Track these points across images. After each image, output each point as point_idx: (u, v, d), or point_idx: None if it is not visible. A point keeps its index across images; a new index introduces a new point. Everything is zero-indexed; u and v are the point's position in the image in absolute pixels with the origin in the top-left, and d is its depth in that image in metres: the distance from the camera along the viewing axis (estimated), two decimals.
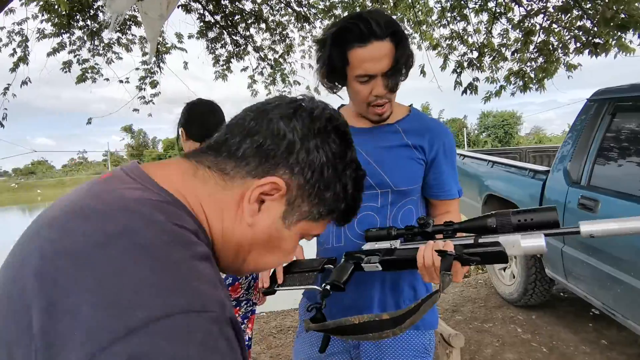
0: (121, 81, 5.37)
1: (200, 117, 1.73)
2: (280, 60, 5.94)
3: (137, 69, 5.57)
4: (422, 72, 4.31)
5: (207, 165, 0.50)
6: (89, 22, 5.31)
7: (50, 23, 5.12)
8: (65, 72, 5.36)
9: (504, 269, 3.49)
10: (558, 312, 3.17)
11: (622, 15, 2.51)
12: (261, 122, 0.51)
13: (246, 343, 1.84)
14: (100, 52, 5.66)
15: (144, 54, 5.71)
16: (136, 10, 5.04)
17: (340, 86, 1.03)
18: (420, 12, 4.42)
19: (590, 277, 2.37)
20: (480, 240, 0.82)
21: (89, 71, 5.56)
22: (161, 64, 5.93)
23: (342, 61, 0.94)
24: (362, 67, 0.91)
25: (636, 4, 2.37)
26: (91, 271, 0.37)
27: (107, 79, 5.43)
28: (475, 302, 3.50)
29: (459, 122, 61.94)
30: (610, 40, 2.86)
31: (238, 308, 1.81)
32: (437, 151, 1.05)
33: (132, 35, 5.80)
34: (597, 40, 2.95)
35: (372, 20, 0.90)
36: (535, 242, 0.78)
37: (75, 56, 5.43)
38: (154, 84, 5.77)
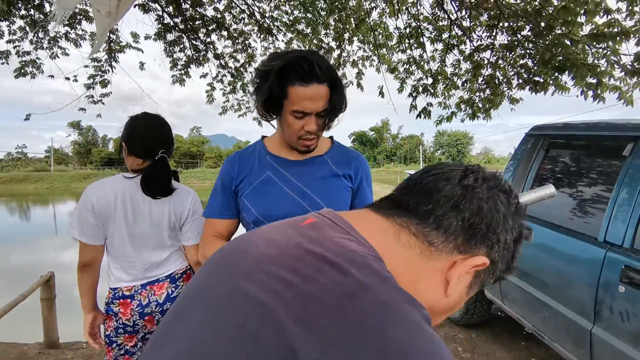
0: (67, 78, 5.04)
1: (143, 132, 1.66)
2: (241, 69, 5.87)
3: (86, 66, 5.26)
4: (381, 93, 4.45)
5: (412, 232, 0.51)
6: (32, 12, 4.96)
7: None
8: (2, 63, 4.96)
9: None
10: (495, 331, 3.34)
11: (560, 58, 2.74)
12: (469, 198, 0.52)
13: None
14: (45, 45, 5.31)
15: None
16: (88, 4, 4.79)
17: (273, 116, 1.08)
18: (380, 36, 4.57)
19: (523, 301, 2.52)
20: None
21: (29, 65, 5.18)
22: (113, 63, 5.66)
23: (281, 94, 0.99)
24: (300, 104, 0.98)
25: (573, 49, 2.60)
26: (345, 321, 0.37)
27: (52, 76, 5.09)
28: None
29: (416, 138, 64.45)
30: (549, 79, 3.11)
31: None
32: (361, 178, 1.16)
33: (83, 30, 5.49)
34: (537, 79, 3.19)
35: (315, 63, 0.96)
36: None
37: (14, 47, 5.05)
38: (104, 83, 5.48)
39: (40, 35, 5.25)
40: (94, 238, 1.56)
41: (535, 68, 3.14)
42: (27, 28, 5.05)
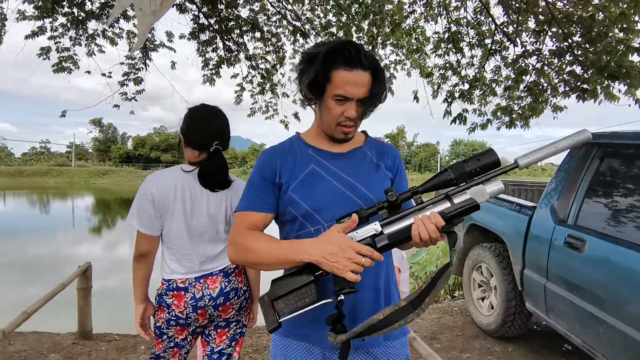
0: (104, 75, 5.13)
1: (199, 124, 1.64)
2: (272, 70, 5.89)
3: (121, 63, 5.35)
4: (415, 98, 4.40)
5: None
6: (75, 10, 5.08)
7: (32, 5, 4.86)
8: (44, 59, 5.08)
9: (482, 299, 3.52)
10: (533, 346, 3.22)
11: (613, 65, 2.65)
12: None
13: None
14: (83, 42, 5.42)
15: (131, 49, 5.51)
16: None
17: (314, 101, 1.09)
18: (416, 40, 4.52)
19: (572, 315, 2.42)
20: (456, 201, 0.92)
21: (67, 60, 5.30)
22: (147, 61, 5.75)
23: (325, 78, 1.00)
24: (343, 89, 0.99)
25: (628, 57, 2.51)
26: None
27: (89, 72, 5.18)
28: (453, 331, 3.50)
29: (432, 147, 63.88)
30: (598, 87, 3.01)
31: (227, 329, 1.70)
32: (398, 167, 1.20)
33: (120, 28, 5.60)
34: (585, 86, 3.09)
35: (361, 50, 1.00)
36: (496, 186, 0.92)
37: (55, 43, 5.17)
38: (137, 81, 5.57)
39: (80, 32, 5.37)
40: (151, 229, 1.56)
41: (585, 75, 3.04)
42: (69, 25, 5.16)
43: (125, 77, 5.41)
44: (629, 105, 2.89)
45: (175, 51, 5.90)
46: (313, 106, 1.13)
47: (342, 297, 0.90)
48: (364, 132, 1.25)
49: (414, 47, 4.61)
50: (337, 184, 1.07)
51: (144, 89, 5.72)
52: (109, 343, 2.94)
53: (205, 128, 1.64)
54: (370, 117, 1.11)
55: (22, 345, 2.93)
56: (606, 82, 2.90)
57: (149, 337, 1.67)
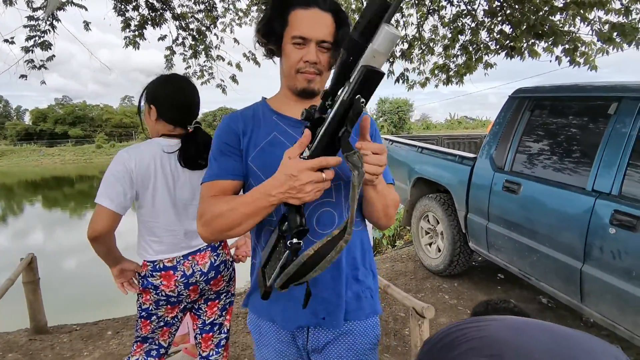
0: (6, 40, 4.38)
1: (177, 97, 1.55)
2: (206, 31, 5.50)
3: (25, 26, 4.60)
4: None
5: None
6: None
7: None
8: None
9: (430, 244, 3.90)
10: (474, 279, 3.69)
11: (540, 24, 2.93)
12: None
13: (224, 335, 1.77)
14: None
15: (34, 9, 4.73)
16: None
17: (275, 52, 1.01)
18: (355, 0, 4.51)
19: (510, 249, 2.80)
20: (352, 80, 0.74)
21: None
22: (54, 23, 5.00)
23: (281, 22, 0.94)
24: (299, 29, 0.92)
25: (555, 16, 2.79)
26: None
27: None
28: (407, 275, 3.85)
29: None
30: (523, 45, 3.32)
31: (217, 301, 1.72)
32: (372, 133, 1.05)
33: None
34: (512, 44, 3.39)
35: None
36: (382, 36, 0.70)
37: None
38: (45, 46, 4.85)
39: None
40: (122, 207, 1.45)
41: (514, 34, 3.32)
42: None
43: (32, 42, 4.68)
44: (550, 62, 3.24)
45: (87, 9, 5.20)
46: (275, 59, 1.05)
47: (295, 240, 0.83)
48: None
49: (352, 8, 4.60)
50: None
51: (54, 55, 5.02)
52: (69, 334, 2.76)
53: (184, 101, 1.56)
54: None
55: None
56: (532, 40, 3.20)
57: (135, 289, 1.60)
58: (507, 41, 3.38)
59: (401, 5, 4.23)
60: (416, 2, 3.85)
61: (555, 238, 2.40)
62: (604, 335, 2.55)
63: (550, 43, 3.01)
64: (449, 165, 3.52)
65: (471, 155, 3.34)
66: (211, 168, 1.00)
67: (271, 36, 0.97)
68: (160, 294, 1.55)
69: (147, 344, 1.63)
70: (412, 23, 4.19)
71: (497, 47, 3.52)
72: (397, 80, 4.18)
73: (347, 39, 0.76)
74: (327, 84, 0.82)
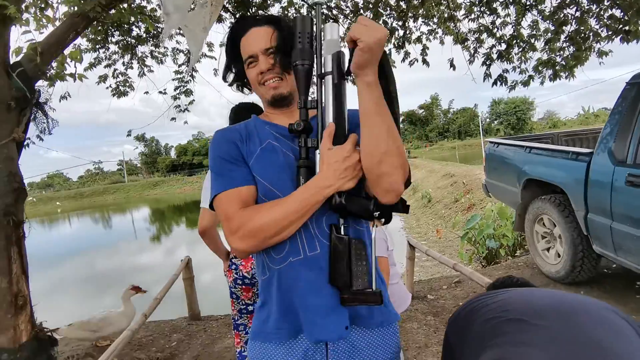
0: (161, 92, 5.64)
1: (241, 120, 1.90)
2: None
3: (173, 79, 5.83)
4: (452, 66, 4.49)
5: None
6: (125, 37, 5.59)
7: (85, 38, 5.40)
8: (108, 88, 5.68)
9: (548, 249, 3.65)
10: (605, 287, 3.33)
11: None
12: None
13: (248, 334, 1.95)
14: (135, 65, 5.95)
15: (179, 65, 5.98)
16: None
17: (246, 84, 1.11)
18: (446, 8, 4.59)
19: None
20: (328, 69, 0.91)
21: (124, 84, 5.87)
22: (194, 73, 6.20)
23: (238, 59, 1.05)
24: (246, 51, 1.02)
25: None
26: None
27: (147, 92, 5.72)
28: None
29: (470, 111, 61.17)
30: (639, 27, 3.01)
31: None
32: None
33: (165, 47, 6.07)
34: (627, 28, 3.10)
35: (253, 15, 1.09)
36: (328, 33, 0.91)
37: (114, 70, 5.73)
38: (188, 93, 6.04)
39: (129, 56, 5.90)
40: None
41: (625, 17, 3.05)
42: (120, 52, 5.70)
43: (178, 91, 5.90)
44: None
45: (216, 59, 6.30)
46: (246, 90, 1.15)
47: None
48: None
49: (446, 16, 4.67)
50: (295, 160, 0.98)
51: (194, 99, 6.20)
52: (217, 321, 3.43)
53: None
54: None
55: (145, 332, 3.47)
56: None
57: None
58: (620, 25, 3.11)
59: (495, 6, 4.18)
60: (511, 0, 3.77)
61: None
62: None
63: None
64: (561, 163, 3.31)
65: (586, 150, 3.11)
66: (220, 183, 0.97)
67: (238, 75, 1.09)
68: (238, 274, 1.87)
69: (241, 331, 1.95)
70: (508, 22, 4.08)
71: (610, 33, 3.24)
72: (495, 82, 4.09)
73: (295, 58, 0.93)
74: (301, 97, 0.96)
